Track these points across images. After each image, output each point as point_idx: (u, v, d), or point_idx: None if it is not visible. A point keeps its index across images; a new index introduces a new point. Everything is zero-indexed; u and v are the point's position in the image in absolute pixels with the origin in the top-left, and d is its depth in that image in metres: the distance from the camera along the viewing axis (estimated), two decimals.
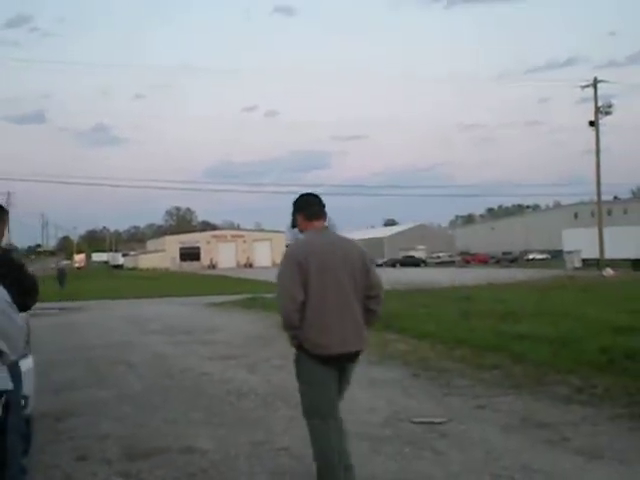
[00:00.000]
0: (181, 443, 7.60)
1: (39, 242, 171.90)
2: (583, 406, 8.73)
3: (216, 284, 52.67)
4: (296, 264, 5.58)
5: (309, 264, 5.54)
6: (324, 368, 5.68)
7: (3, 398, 4.56)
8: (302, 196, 6.08)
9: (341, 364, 5.79)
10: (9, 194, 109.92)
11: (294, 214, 6.03)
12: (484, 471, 6.39)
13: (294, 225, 6.06)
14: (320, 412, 5.84)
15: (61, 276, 50.51)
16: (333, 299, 5.59)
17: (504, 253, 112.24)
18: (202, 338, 16.88)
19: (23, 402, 5.48)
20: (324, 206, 6.01)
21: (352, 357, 5.84)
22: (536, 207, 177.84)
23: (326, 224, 6.00)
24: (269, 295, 31.47)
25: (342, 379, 5.92)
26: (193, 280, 62.32)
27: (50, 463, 7.01)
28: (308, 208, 5.94)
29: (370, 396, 9.79)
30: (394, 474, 6.41)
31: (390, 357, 13.03)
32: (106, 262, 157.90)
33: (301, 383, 5.94)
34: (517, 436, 7.55)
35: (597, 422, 8.00)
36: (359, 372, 11.59)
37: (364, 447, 7.31)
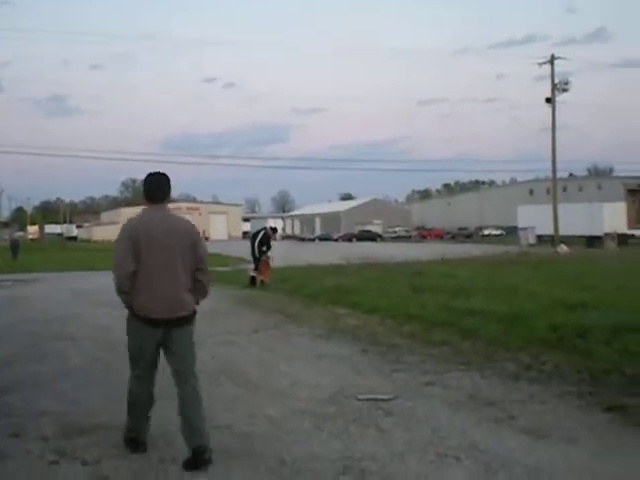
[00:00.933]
0: (119, 419, 7.29)
1: None
2: (531, 383, 8.64)
3: None
4: (128, 238, 6.26)
5: (139, 238, 6.20)
6: (148, 329, 6.27)
7: None
8: (148, 177, 6.59)
9: (165, 329, 6.28)
10: None
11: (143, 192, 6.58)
12: (429, 450, 6.25)
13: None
14: (136, 364, 6.51)
15: (14, 247, 50.09)
16: (159, 269, 6.21)
17: (460, 229, 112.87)
18: None
19: None
20: (167, 187, 6.55)
21: (176, 322, 6.30)
22: (492, 183, 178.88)
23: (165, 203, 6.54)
24: (223, 268, 31.28)
25: (170, 342, 6.37)
26: None
27: None
28: (149, 191, 6.50)
29: (316, 372, 9.65)
30: (337, 453, 6.23)
31: (339, 332, 12.89)
32: (60, 234, 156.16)
33: (128, 338, 6.52)
34: (464, 414, 7.43)
35: (545, 400, 7.91)
36: (306, 346, 11.61)
37: (307, 424, 7.17)
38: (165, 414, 6.94)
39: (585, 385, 8.37)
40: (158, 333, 6.29)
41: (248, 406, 7.89)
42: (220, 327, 13.79)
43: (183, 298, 6.31)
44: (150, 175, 6.59)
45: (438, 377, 9.12)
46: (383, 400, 8.01)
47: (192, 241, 6.40)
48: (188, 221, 6.74)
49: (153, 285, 6.20)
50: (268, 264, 23.65)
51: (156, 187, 6.52)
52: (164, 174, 6.65)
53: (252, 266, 24.10)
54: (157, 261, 6.21)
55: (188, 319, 6.42)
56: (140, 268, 6.18)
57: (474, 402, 7.88)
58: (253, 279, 23.37)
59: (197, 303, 6.53)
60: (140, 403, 6.60)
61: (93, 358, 10.96)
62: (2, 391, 8.78)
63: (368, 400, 8.02)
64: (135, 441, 6.54)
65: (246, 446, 6.45)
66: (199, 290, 6.49)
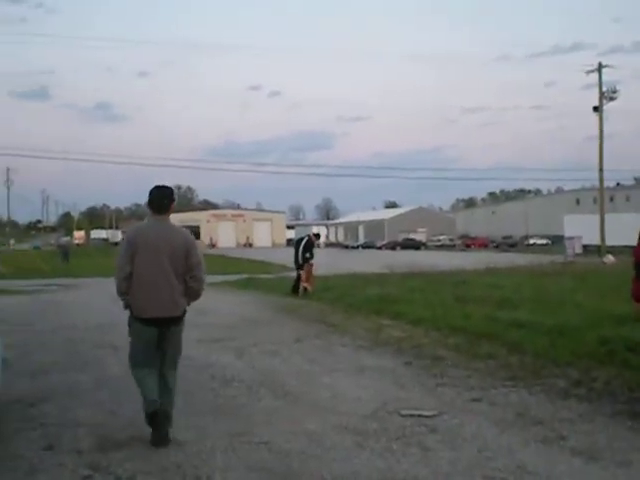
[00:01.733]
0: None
1: (40, 218, 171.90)
2: (581, 401, 8.32)
3: (214, 264, 52.24)
4: (127, 243, 7.15)
5: (137, 245, 7.04)
6: (144, 328, 7.07)
7: None
8: (153, 190, 7.33)
9: (159, 326, 7.08)
10: (8, 170, 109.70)
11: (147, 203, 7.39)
12: (475, 472, 5.98)
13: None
14: (137, 361, 7.20)
15: (65, 252, 52.31)
16: (153, 274, 6.99)
17: (504, 237, 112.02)
18: (192, 320, 16.30)
19: None
20: (168, 200, 7.34)
21: (168, 321, 7.12)
22: (538, 192, 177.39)
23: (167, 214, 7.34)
24: (266, 276, 31.18)
25: (163, 340, 7.17)
26: None
27: (16, 452, 6.64)
28: (152, 203, 7.30)
29: (358, 385, 9.42)
30: (379, 472, 6.00)
31: (383, 343, 12.65)
32: (105, 239, 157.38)
33: (130, 337, 7.29)
34: (511, 433, 7.15)
35: (595, 419, 7.59)
36: (349, 358, 11.39)
37: (348, 441, 6.94)
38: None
39: (637, 404, 8.02)
40: (152, 331, 7.10)
41: (287, 420, 7.68)
42: (261, 336, 13.64)
43: (175, 300, 7.11)
44: (155, 188, 7.36)
45: (484, 393, 8.84)
46: (427, 416, 7.76)
47: (186, 250, 7.17)
48: (186, 232, 7.50)
49: (147, 287, 7.00)
50: (311, 272, 23.47)
51: (158, 200, 7.29)
52: (168, 188, 7.47)
53: (295, 274, 23.92)
54: (151, 266, 7.00)
55: (179, 319, 7.25)
56: (135, 271, 7.02)
57: (522, 420, 7.60)
58: (296, 287, 23.16)
59: (188, 304, 7.34)
60: (149, 391, 7.09)
61: None
62: (39, 400, 8.68)
63: (412, 416, 7.78)
64: (155, 420, 6.98)
65: (284, 464, 6.23)
66: (191, 294, 7.28)
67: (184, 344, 12.03)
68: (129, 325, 7.24)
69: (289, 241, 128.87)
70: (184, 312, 7.31)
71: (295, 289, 23.20)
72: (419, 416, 7.77)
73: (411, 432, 7.20)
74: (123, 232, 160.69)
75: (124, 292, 7.12)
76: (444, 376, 9.86)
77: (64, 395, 8.98)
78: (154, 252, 7.03)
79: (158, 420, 6.92)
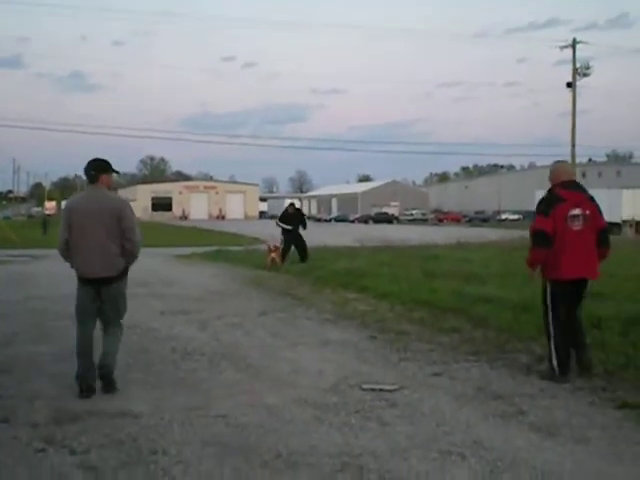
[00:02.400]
0: (114, 406, 7.14)
1: (10, 188, 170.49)
2: (543, 376, 8.32)
3: (185, 235, 52.23)
4: (64, 212, 8.04)
5: (72, 214, 7.80)
6: (84, 287, 7.85)
7: None
8: (88, 162, 7.97)
9: (95, 286, 7.78)
10: None
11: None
12: (432, 447, 5.95)
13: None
14: (78, 318, 8.02)
15: (44, 223, 53.81)
16: (87, 238, 7.68)
17: (477, 212, 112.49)
18: (158, 291, 16.39)
19: None
20: (96, 172, 7.89)
21: (104, 281, 7.77)
22: (511, 167, 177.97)
23: (100, 182, 7.91)
24: (236, 248, 31.07)
25: (103, 298, 7.85)
26: (162, 231, 61.58)
27: None
28: (85, 174, 8.00)
29: (320, 358, 9.38)
30: (336, 447, 5.95)
31: (347, 317, 12.61)
32: None
33: (76, 295, 8.03)
34: (471, 408, 7.13)
35: (556, 394, 7.58)
36: (313, 331, 11.34)
37: (307, 414, 6.91)
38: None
39: (598, 380, 8.03)
40: (91, 289, 7.80)
41: (247, 394, 7.62)
42: (226, 309, 13.57)
43: (108, 262, 7.72)
44: (88, 161, 7.98)
45: (446, 367, 8.81)
46: (388, 391, 7.73)
47: (117, 216, 7.72)
48: (118, 199, 8.21)
49: (82, 251, 7.73)
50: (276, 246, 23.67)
51: (88, 171, 7.93)
52: (97, 160, 8.04)
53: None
54: (84, 231, 7.69)
55: (113, 279, 7.81)
56: (71, 237, 7.77)
57: (482, 395, 7.58)
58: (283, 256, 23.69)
59: (128, 265, 7.99)
60: (84, 352, 7.85)
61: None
62: None
63: (372, 390, 7.74)
64: (85, 385, 7.61)
65: (241, 438, 6.18)
66: (127, 255, 7.87)
67: (147, 315, 12.02)
68: (77, 283, 7.97)
69: (262, 214, 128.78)
70: (122, 273, 7.91)
71: (283, 257, 23.65)
72: (380, 390, 7.73)
73: (370, 406, 7.16)
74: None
75: (66, 256, 7.96)
76: (407, 350, 9.83)
77: (23, 367, 8.88)
78: (86, 218, 7.71)
79: (89, 382, 7.65)
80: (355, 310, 13.31)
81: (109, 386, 7.71)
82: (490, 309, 12.05)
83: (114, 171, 8.25)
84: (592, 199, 8.73)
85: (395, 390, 7.76)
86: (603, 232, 8.77)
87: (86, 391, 7.53)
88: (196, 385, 8.01)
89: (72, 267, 7.96)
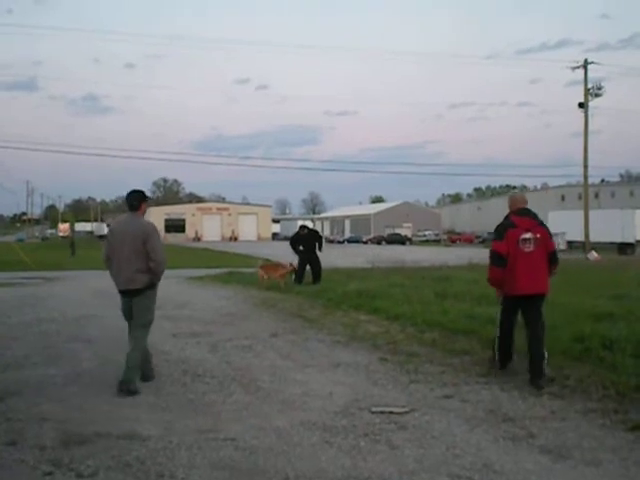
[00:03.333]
0: (122, 428, 7.12)
1: (24, 210, 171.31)
2: (553, 398, 8.28)
3: (198, 257, 52.26)
4: (108, 233, 9.76)
5: (113, 235, 9.49)
6: (121, 297, 9.54)
7: None
8: (128, 193, 9.58)
9: (129, 296, 9.35)
10: None
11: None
12: (442, 470, 5.92)
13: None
14: (127, 320, 9.61)
15: (72, 244, 58.47)
16: (118, 256, 9.26)
17: (490, 233, 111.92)
18: (170, 314, 16.34)
19: None
20: (137, 201, 9.48)
21: (133, 292, 9.28)
22: (524, 188, 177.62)
23: (138, 211, 9.50)
24: (249, 270, 31.03)
25: (134, 307, 9.36)
26: (175, 252, 61.55)
27: None
28: (126, 203, 9.57)
29: (331, 380, 9.35)
30: (344, 470, 5.92)
31: (359, 339, 12.58)
32: (90, 232, 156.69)
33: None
34: (481, 430, 7.10)
35: (567, 417, 7.54)
36: (324, 353, 11.30)
37: (315, 438, 6.89)
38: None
39: (610, 402, 7.99)
40: (126, 299, 9.45)
41: (256, 417, 7.60)
42: (237, 331, 13.56)
43: (134, 277, 9.17)
44: (129, 192, 9.57)
45: (457, 390, 8.78)
46: (398, 413, 7.70)
47: (143, 239, 9.14)
48: (148, 224, 9.51)
49: (116, 267, 9.32)
50: (291, 265, 23.83)
51: (129, 201, 9.50)
52: (139, 191, 9.69)
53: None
54: (118, 251, 9.27)
55: (139, 291, 9.24)
56: (110, 254, 9.42)
57: (493, 418, 7.55)
58: (299, 276, 24.13)
59: (154, 281, 9.34)
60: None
61: (105, 361, 10.73)
62: (8, 394, 8.55)
63: (382, 413, 7.71)
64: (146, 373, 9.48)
65: (249, 461, 6.16)
66: (152, 272, 9.23)
67: (159, 338, 12.06)
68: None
69: (275, 235, 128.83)
70: (147, 286, 9.27)
71: (298, 279, 23.93)
72: (390, 413, 7.70)
73: (380, 429, 7.14)
74: (108, 225, 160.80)
75: (108, 268, 9.58)
76: (418, 372, 9.79)
77: (33, 390, 8.86)
78: (120, 240, 9.26)
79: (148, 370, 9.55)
80: (366, 332, 13.27)
81: (127, 387, 8.75)
82: None
83: (147, 198, 9.87)
84: (542, 224, 9.93)
85: (405, 413, 7.73)
86: (552, 254, 9.89)
87: (147, 378, 9.42)
88: (206, 408, 7.99)
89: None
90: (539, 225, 9.83)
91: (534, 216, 9.97)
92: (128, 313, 9.45)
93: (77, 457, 6.22)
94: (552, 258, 9.85)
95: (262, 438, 6.82)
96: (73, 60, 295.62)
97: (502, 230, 9.88)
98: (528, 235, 9.63)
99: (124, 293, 9.35)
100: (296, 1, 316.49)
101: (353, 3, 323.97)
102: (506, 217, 10.09)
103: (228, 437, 6.82)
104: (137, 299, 9.27)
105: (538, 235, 9.68)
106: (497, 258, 9.72)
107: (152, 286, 9.33)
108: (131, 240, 9.14)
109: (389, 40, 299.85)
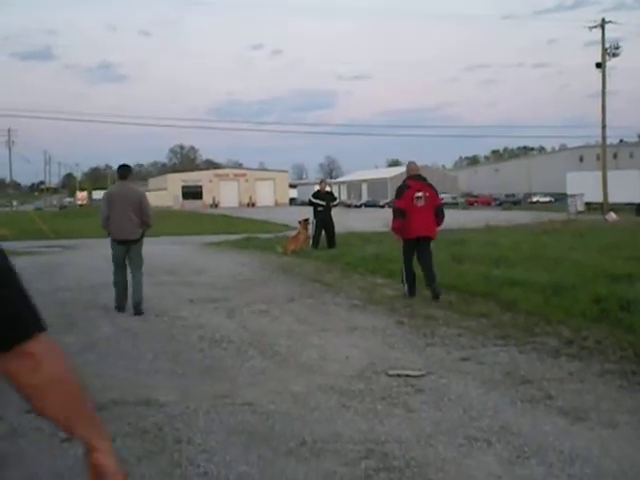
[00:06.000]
0: (139, 394, 7.14)
1: (42, 179, 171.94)
2: (571, 360, 8.22)
3: (215, 223, 52.27)
4: (105, 197, 12.53)
5: (111, 197, 12.28)
6: (117, 245, 12.21)
7: None
8: (118, 168, 12.65)
9: (126, 244, 12.12)
10: (9, 131, 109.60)
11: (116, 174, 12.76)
12: (459, 433, 5.90)
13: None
14: (115, 264, 12.34)
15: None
16: (119, 214, 11.92)
17: (507, 195, 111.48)
18: (187, 280, 16.39)
19: None
20: (127, 172, 12.51)
21: (131, 241, 12.10)
22: (541, 150, 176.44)
23: (128, 179, 12.55)
24: (266, 235, 31.04)
25: (130, 253, 12.22)
26: (193, 219, 61.83)
27: None
28: (118, 174, 12.68)
29: (347, 344, 9.33)
30: (361, 434, 5.91)
31: (375, 302, 12.56)
32: None
33: (111, 250, 12.40)
34: (498, 393, 7.07)
35: (584, 378, 7.50)
36: (341, 317, 11.30)
37: (332, 401, 6.87)
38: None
39: (628, 363, 7.93)
40: (123, 247, 12.17)
41: (273, 381, 7.60)
42: (255, 296, 13.55)
43: (133, 229, 12.04)
44: (119, 166, 12.63)
45: (474, 352, 8.74)
46: (414, 376, 7.68)
47: (139, 201, 12.20)
48: (139, 190, 13.37)
49: (117, 222, 12.01)
50: (305, 230, 23.81)
51: (121, 172, 12.53)
52: (127, 165, 12.66)
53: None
54: (118, 209, 11.95)
55: (137, 240, 12.16)
56: (111, 214, 12.02)
57: (510, 380, 7.51)
58: (316, 241, 24.01)
59: (144, 231, 12.30)
60: (119, 285, 12.28)
61: (122, 329, 10.76)
62: None
63: (399, 376, 7.69)
64: (120, 308, 12.14)
65: (266, 426, 6.16)
66: (144, 225, 12.23)
67: (176, 304, 12.23)
68: (111, 243, 12.34)
69: (292, 200, 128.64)
70: (141, 236, 12.26)
71: (315, 243, 23.85)
72: (406, 376, 7.68)
73: (397, 392, 7.12)
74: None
75: (105, 226, 12.26)
76: (435, 335, 9.76)
77: None
78: (120, 202, 12.01)
79: (122, 305, 12.12)
80: (383, 295, 13.25)
81: (139, 311, 11.81)
82: (519, 292, 11.91)
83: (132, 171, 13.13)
84: (431, 186, 13.14)
85: (422, 376, 7.71)
86: (439, 207, 13.14)
87: (120, 309, 12.08)
88: (223, 373, 8.00)
89: (107, 233, 12.37)
90: (428, 187, 13.01)
91: (424, 179, 13.19)
92: (122, 259, 12.23)
93: (93, 419, 6.22)
94: (438, 211, 13.01)
95: (279, 403, 6.82)
96: (88, 29, 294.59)
97: (400, 191, 13.01)
98: (420, 194, 12.69)
99: (124, 242, 12.06)
100: None
101: None
102: (404, 181, 13.25)
103: (245, 402, 6.82)
104: (134, 246, 12.15)
105: (427, 194, 12.81)
106: (398, 212, 12.84)
107: (143, 236, 12.32)
108: (130, 202, 11.95)
109: (404, 1, 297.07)
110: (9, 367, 1.73)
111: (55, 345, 1.81)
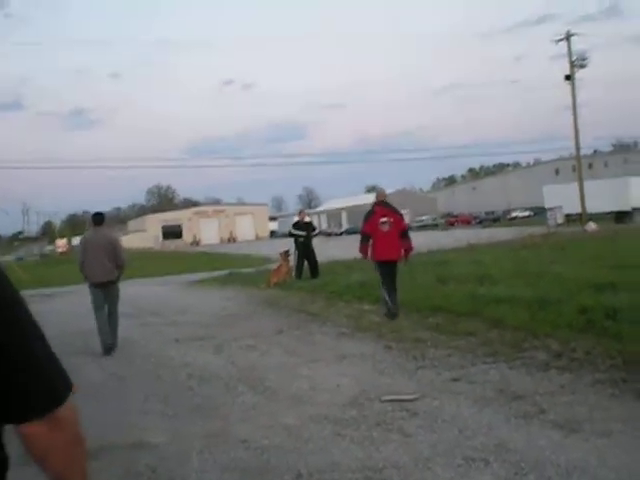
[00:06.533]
0: (131, 437, 7.09)
1: (21, 229, 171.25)
2: (561, 372, 8.24)
3: (197, 261, 52.08)
4: (81, 243, 13.16)
5: (85, 243, 12.86)
6: (95, 289, 12.73)
7: None
8: (93, 215, 13.16)
9: (103, 287, 12.69)
10: None
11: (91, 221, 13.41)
12: (456, 453, 5.89)
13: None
14: (95, 307, 12.76)
15: None
16: (94, 259, 12.54)
17: (487, 213, 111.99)
18: (171, 319, 16.31)
19: None
20: (101, 219, 12.97)
21: (106, 284, 12.69)
22: (517, 165, 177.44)
23: (101, 225, 12.99)
24: (247, 270, 30.98)
25: (107, 295, 12.82)
26: (174, 258, 61.59)
27: None
28: (93, 221, 13.09)
29: (338, 373, 9.30)
30: (358, 461, 5.89)
31: (363, 329, 12.52)
32: None
33: (90, 294, 12.91)
34: (491, 410, 7.06)
35: (576, 390, 7.52)
36: (329, 346, 11.27)
37: (326, 431, 6.85)
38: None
39: (617, 371, 7.95)
40: (99, 289, 12.71)
41: (265, 416, 7.56)
42: (241, 331, 13.51)
43: (107, 272, 12.62)
44: (94, 213, 13.22)
45: (464, 372, 8.74)
46: (408, 400, 7.66)
47: (112, 245, 12.77)
48: (112, 235, 13.88)
49: (92, 267, 12.60)
50: (287, 262, 23.78)
51: (96, 219, 13.03)
52: (99, 213, 13.18)
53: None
54: (92, 255, 12.57)
55: (113, 282, 12.79)
56: (85, 259, 12.66)
57: (502, 396, 7.51)
58: (299, 272, 24.00)
59: (119, 273, 12.93)
60: (102, 325, 12.62)
61: (111, 372, 10.70)
62: None
63: (392, 401, 7.67)
64: (107, 350, 12.39)
65: (261, 460, 6.12)
66: (119, 269, 12.86)
67: (162, 344, 12.19)
68: (89, 287, 12.87)
69: (272, 233, 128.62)
70: (117, 278, 12.91)
71: (298, 274, 23.83)
72: (399, 401, 7.66)
73: (391, 418, 7.10)
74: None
75: (82, 270, 12.77)
76: (424, 358, 9.75)
77: None
78: (95, 247, 12.59)
79: (108, 347, 12.41)
80: (370, 322, 13.21)
81: (109, 351, 12.38)
82: (504, 309, 11.93)
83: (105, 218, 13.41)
84: (396, 211, 13.86)
85: (415, 399, 7.69)
86: (404, 232, 13.71)
87: (107, 352, 12.32)
88: (214, 411, 7.95)
89: (84, 277, 12.85)
90: (393, 212, 13.69)
91: (389, 205, 13.84)
92: (102, 301, 12.74)
93: (88, 470, 6.16)
94: (403, 235, 13.62)
95: (272, 437, 6.78)
96: (57, 75, 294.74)
97: (367, 217, 13.83)
98: (385, 219, 13.41)
99: (101, 285, 12.65)
100: None
101: None
102: (371, 207, 13.96)
103: (238, 439, 6.78)
104: (111, 288, 12.81)
105: (392, 219, 13.48)
106: (363, 236, 13.86)
107: (119, 278, 13.01)
108: (104, 247, 12.57)
109: (372, 25, 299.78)
110: (30, 430, 1.70)
111: (74, 405, 1.77)
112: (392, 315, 13.16)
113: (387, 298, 13.38)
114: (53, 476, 1.80)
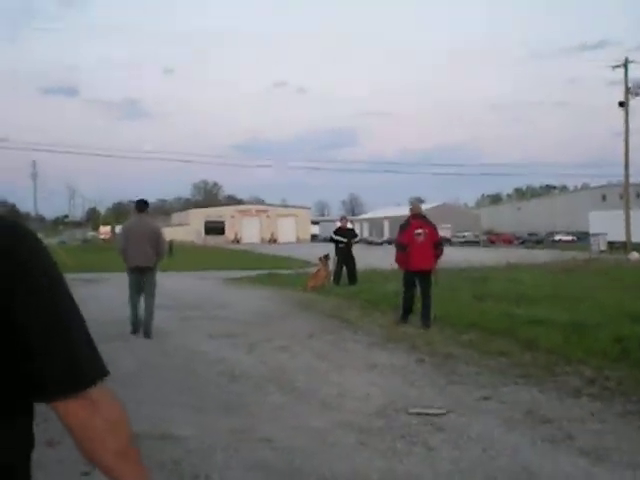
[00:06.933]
0: (157, 429, 7.12)
1: (66, 213, 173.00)
2: (592, 400, 8.16)
3: (237, 259, 52.30)
4: (123, 230, 13.96)
5: (128, 229, 13.50)
6: (132, 273, 13.30)
7: None
8: (136, 202, 13.58)
9: (140, 272, 13.18)
10: (34, 163, 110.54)
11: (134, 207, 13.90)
12: (477, 472, 5.87)
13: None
14: (130, 290, 13.34)
15: (171, 246, 57.32)
16: (136, 244, 12.97)
17: (530, 234, 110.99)
18: (208, 314, 16.42)
19: None
20: (144, 206, 13.50)
21: (144, 269, 13.16)
22: (564, 188, 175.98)
23: (145, 212, 13.51)
24: (286, 271, 31.06)
25: (143, 280, 13.24)
26: (215, 254, 61.91)
27: None
28: (136, 208, 13.54)
29: (367, 382, 9.31)
30: (379, 472, 5.89)
31: (396, 340, 12.50)
32: None
33: (128, 277, 13.45)
34: (519, 432, 7.02)
35: (606, 419, 7.44)
36: (360, 354, 11.28)
37: (352, 439, 6.84)
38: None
39: None
40: (137, 274, 13.23)
41: (292, 417, 7.59)
42: (274, 331, 13.57)
43: (147, 259, 13.07)
44: (138, 200, 13.53)
45: (494, 391, 8.69)
46: (435, 415, 7.64)
47: (156, 235, 13.27)
48: (155, 224, 14.33)
49: (133, 252, 13.06)
50: (326, 267, 23.74)
51: (139, 206, 13.46)
52: (143, 200, 13.56)
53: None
54: (135, 241, 13.02)
55: (150, 268, 13.20)
56: (128, 245, 13.11)
57: (531, 419, 7.47)
58: (337, 277, 24.04)
59: (158, 261, 13.40)
60: (133, 308, 13.29)
61: (143, 363, 10.78)
62: None
63: (419, 414, 7.66)
64: (134, 330, 13.22)
65: (285, 461, 6.14)
66: (158, 256, 13.30)
67: (196, 338, 12.28)
68: (127, 272, 13.43)
69: (314, 237, 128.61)
70: (155, 265, 13.36)
71: (336, 280, 23.83)
72: (426, 414, 7.64)
73: (417, 431, 7.08)
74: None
75: (122, 254, 13.28)
76: (455, 374, 9.72)
77: None
78: (138, 234, 13.04)
79: (137, 328, 13.18)
80: (404, 333, 13.19)
81: (148, 334, 12.98)
82: (539, 331, 11.84)
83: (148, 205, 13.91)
84: (430, 223, 14.66)
85: (442, 414, 7.67)
86: (437, 243, 14.49)
87: (134, 331, 13.18)
88: (242, 408, 7.98)
89: (124, 260, 13.29)
90: (427, 224, 14.51)
91: (424, 217, 14.82)
92: (138, 286, 13.25)
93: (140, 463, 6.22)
94: (436, 246, 14.37)
95: (298, 439, 6.80)
96: (113, 65, 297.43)
97: (402, 228, 14.70)
98: (419, 231, 14.18)
99: (138, 270, 13.13)
100: (331, 3, 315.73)
101: (390, 2, 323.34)
102: (407, 219, 14.80)
103: (264, 438, 6.81)
104: (148, 274, 13.22)
105: (426, 231, 14.26)
106: (400, 246, 14.44)
107: (156, 265, 13.40)
108: (148, 235, 13.03)
109: (427, 39, 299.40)
110: (66, 408, 1.75)
111: (112, 393, 1.82)
112: (403, 319, 14.32)
113: (402, 307, 14.49)
114: (101, 469, 1.84)
